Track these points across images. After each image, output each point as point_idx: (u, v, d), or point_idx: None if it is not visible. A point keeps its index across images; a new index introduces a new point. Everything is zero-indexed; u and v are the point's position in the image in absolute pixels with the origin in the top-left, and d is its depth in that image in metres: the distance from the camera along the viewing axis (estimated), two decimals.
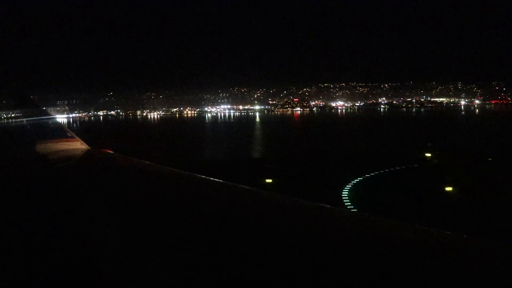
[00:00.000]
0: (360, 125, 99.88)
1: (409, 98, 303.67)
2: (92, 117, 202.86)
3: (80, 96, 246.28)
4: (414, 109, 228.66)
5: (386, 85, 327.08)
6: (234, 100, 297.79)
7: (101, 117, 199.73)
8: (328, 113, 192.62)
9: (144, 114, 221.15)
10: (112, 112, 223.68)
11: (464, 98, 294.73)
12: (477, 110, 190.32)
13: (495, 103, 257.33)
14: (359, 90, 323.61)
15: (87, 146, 8.00)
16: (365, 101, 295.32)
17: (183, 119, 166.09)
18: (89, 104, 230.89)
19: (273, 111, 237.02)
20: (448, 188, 24.83)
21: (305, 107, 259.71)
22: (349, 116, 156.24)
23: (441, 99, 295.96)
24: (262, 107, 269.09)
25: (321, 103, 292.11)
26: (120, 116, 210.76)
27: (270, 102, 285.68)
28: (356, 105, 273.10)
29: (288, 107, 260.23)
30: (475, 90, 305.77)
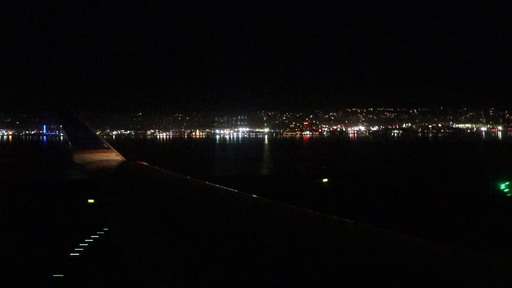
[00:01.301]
0: (326, 148, 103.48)
1: (435, 124, 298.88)
2: (104, 136, 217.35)
3: (96, 114, 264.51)
4: (430, 134, 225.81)
5: (415, 110, 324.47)
6: (256, 122, 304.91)
7: (113, 136, 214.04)
8: (331, 137, 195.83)
9: (155, 134, 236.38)
10: (127, 132, 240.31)
11: (492, 124, 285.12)
12: (495, 136, 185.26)
13: None
14: (386, 115, 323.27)
15: (122, 157, 8.43)
16: (388, 126, 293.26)
17: (184, 139, 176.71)
18: (104, 123, 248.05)
19: (281, 134, 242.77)
20: None
21: (315, 130, 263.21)
22: (344, 139, 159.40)
23: (465, 125, 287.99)
24: (276, 129, 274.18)
25: (341, 127, 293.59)
26: (131, 135, 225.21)
27: (294, 125, 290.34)
28: (370, 130, 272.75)
29: (297, 130, 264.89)
30: (508, 116, 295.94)
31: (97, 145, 8.80)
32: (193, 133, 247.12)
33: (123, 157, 8.40)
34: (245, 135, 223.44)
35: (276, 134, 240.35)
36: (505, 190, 24.70)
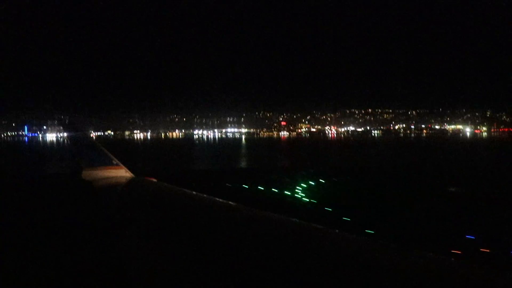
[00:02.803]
0: (257, 147, 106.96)
1: (431, 125, 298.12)
2: None
3: (74, 116, 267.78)
4: (412, 135, 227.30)
5: (413, 111, 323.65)
6: (246, 123, 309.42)
7: (93, 137, 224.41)
8: (299, 137, 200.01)
9: (133, 134, 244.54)
10: (105, 133, 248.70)
11: (484, 125, 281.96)
12: (472, 137, 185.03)
13: (502, 131, 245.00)
14: (383, 116, 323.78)
15: (131, 174, 8.48)
16: (381, 126, 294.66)
17: (154, 139, 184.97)
18: (84, 124, 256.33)
19: (258, 134, 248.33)
20: None
21: (292, 130, 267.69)
22: (306, 139, 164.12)
23: (454, 126, 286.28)
24: (251, 130, 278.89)
25: (317, 128, 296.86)
26: (110, 136, 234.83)
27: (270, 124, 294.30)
28: (349, 130, 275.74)
29: (274, 130, 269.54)
30: (504, 118, 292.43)
31: (106, 161, 8.74)
32: (170, 134, 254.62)
33: (132, 174, 8.42)
34: (221, 135, 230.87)
35: (253, 134, 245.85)
36: (297, 191, 24.40)
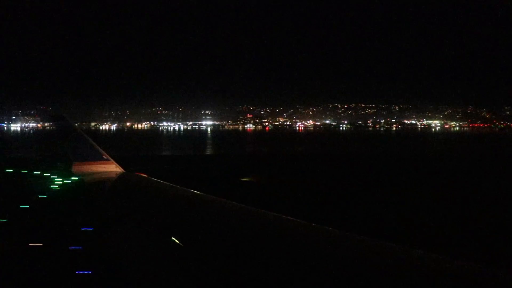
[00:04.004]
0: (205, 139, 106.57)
1: (412, 120, 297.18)
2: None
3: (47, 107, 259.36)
4: (381, 129, 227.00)
5: (396, 107, 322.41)
6: (215, 116, 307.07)
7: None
8: (261, 130, 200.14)
9: (97, 125, 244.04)
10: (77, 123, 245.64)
11: (457, 121, 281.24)
12: (434, 131, 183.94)
13: (473, 126, 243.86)
14: (365, 111, 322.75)
15: (121, 169, 8.41)
16: (357, 121, 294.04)
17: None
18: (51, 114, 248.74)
19: (224, 126, 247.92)
20: None
21: (258, 123, 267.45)
22: (266, 132, 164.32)
23: (429, 121, 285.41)
24: (217, 122, 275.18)
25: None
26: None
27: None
28: (318, 124, 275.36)
29: (240, 123, 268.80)
30: (484, 114, 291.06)
31: (97, 156, 8.65)
32: (135, 125, 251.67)
33: (122, 169, 8.38)
34: (187, 127, 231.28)
35: (219, 126, 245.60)
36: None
